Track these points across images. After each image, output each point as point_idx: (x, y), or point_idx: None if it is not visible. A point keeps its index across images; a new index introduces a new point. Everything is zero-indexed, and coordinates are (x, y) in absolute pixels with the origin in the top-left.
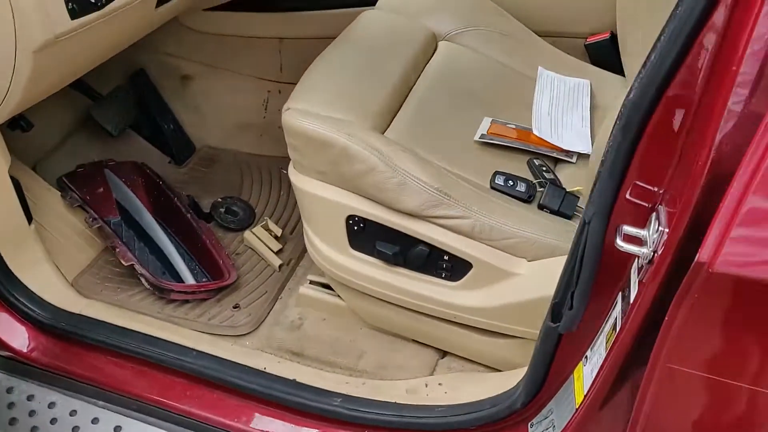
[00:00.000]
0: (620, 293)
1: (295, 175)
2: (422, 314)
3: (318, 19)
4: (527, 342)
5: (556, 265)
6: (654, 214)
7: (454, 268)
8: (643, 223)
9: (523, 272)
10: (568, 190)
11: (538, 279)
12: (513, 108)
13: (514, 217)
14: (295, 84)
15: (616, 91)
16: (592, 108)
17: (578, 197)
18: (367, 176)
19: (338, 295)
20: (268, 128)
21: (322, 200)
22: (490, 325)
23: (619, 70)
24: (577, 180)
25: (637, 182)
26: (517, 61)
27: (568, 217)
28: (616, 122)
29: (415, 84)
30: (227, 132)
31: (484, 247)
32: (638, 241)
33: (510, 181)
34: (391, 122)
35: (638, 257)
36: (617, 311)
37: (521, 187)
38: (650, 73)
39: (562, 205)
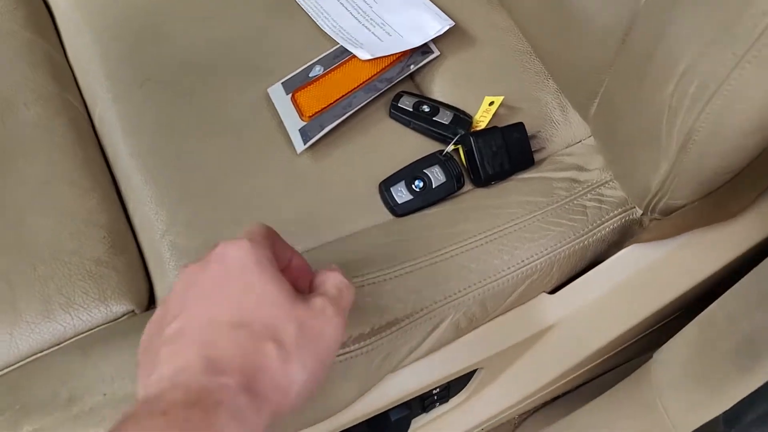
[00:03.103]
0: None
1: None
2: None
3: None
4: None
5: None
6: None
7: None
8: None
9: (555, 318)
10: (480, 115)
11: (580, 320)
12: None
13: (498, 249)
14: None
15: None
16: None
17: (521, 125)
18: None
19: None
20: None
21: None
22: None
23: None
24: (467, 81)
25: None
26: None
27: (531, 163)
28: None
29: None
30: None
31: (488, 329)
32: None
33: (417, 182)
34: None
35: None
36: None
37: (438, 176)
38: None
39: (511, 159)
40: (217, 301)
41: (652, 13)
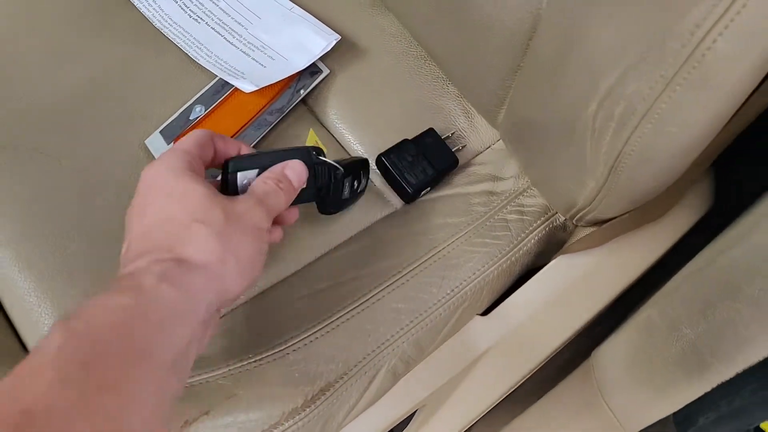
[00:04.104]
0: None
1: None
2: None
3: None
4: None
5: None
6: None
7: None
8: None
9: (491, 340)
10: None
11: (517, 337)
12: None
13: (425, 282)
14: None
15: None
16: None
17: (431, 130)
18: None
19: None
20: None
21: None
22: None
23: None
24: (363, 96)
25: None
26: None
27: (455, 162)
28: None
29: None
30: None
31: (425, 366)
32: None
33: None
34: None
35: None
36: None
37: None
38: None
39: (432, 162)
40: (148, 213)
41: (557, 18)
